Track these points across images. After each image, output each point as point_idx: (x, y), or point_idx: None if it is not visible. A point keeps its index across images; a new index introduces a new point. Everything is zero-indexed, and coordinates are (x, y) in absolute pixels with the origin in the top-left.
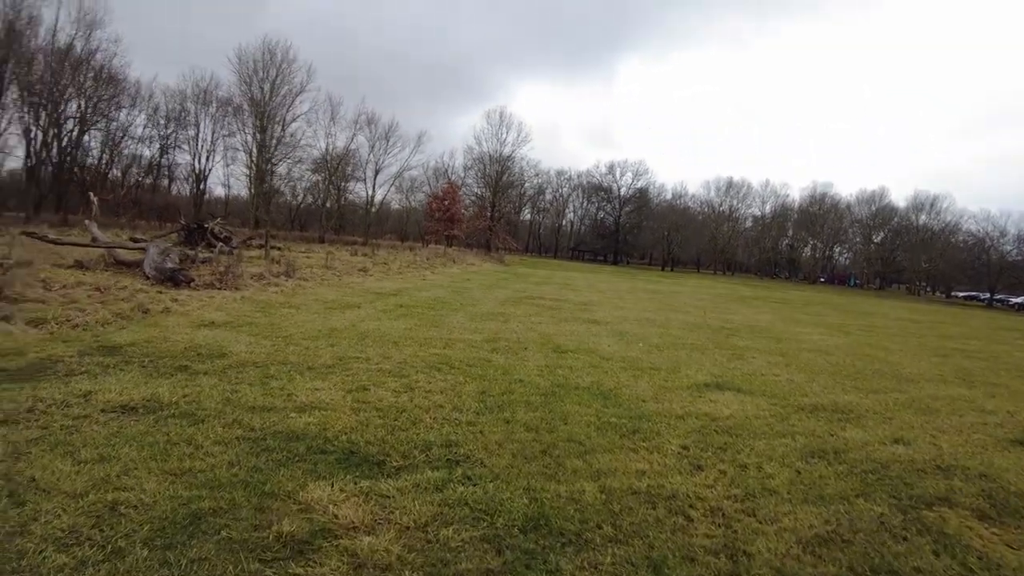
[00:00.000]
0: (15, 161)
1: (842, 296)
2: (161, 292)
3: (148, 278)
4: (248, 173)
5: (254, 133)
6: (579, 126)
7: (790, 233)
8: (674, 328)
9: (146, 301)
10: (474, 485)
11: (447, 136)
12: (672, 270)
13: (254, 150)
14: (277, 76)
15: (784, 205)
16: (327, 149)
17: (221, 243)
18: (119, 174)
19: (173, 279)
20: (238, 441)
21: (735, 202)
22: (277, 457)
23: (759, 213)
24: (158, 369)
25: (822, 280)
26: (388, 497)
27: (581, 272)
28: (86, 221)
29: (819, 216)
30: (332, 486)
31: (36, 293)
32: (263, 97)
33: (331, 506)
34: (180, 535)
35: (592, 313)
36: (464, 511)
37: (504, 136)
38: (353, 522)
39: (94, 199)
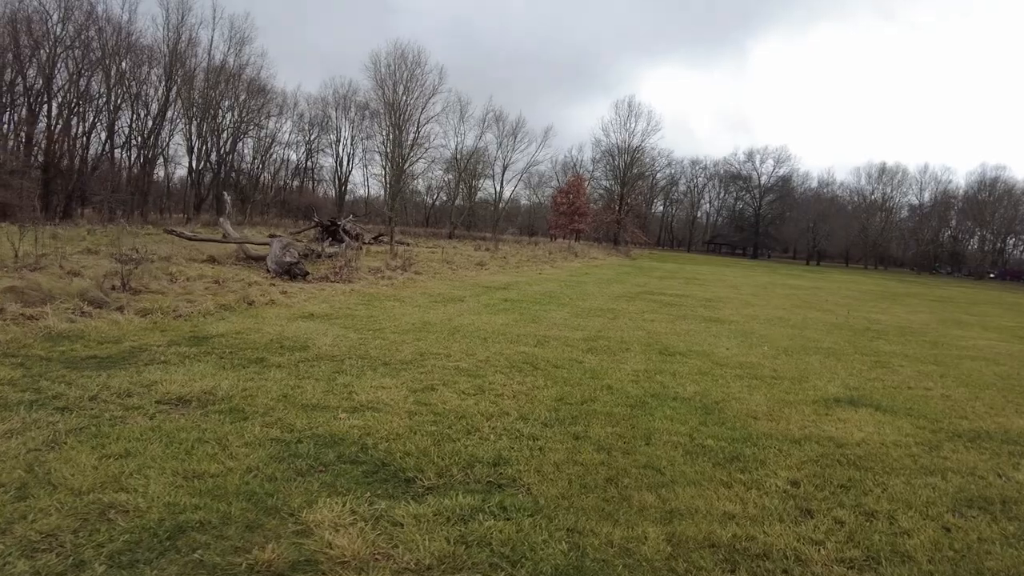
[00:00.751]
0: (182, 170)
1: (1017, 295)
2: (274, 285)
3: (269, 272)
4: (383, 173)
5: (388, 134)
6: (714, 112)
7: (953, 223)
8: (810, 329)
9: (255, 293)
10: (507, 519)
11: (575, 131)
12: (818, 264)
13: (389, 151)
14: (410, 79)
15: (946, 192)
16: (456, 148)
17: (350, 239)
18: (269, 177)
19: (290, 272)
20: (270, 443)
21: (889, 189)
22: (300, 465)
23: (916, 201)
24: (233, 360)
25: (992, 276)
26: (399, 525)
27: (714, 266)
28: (220, 219)
29: (988, 203)
30: (343, 505)
31: (159, 285)
32: (397, 100)
33: (330, 532)
34: (151, 552)
35: (716, 311)
36: (483, 554)
37: (633, 126)
38: (345, 555)
39: (227, 198)
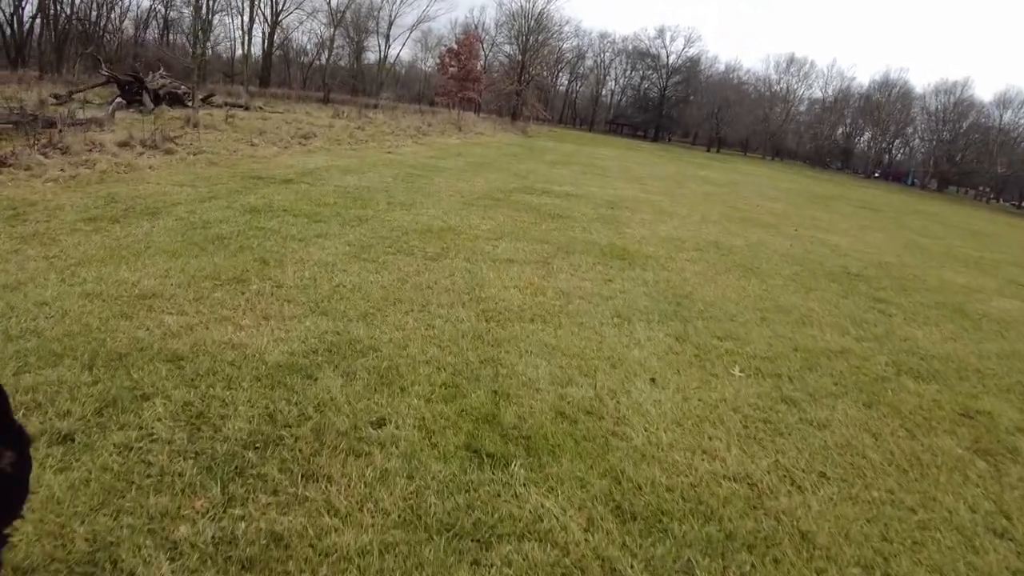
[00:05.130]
0: None
1: (922, 200)
2: None
3: None
4: (242, 25)
5: None
6: None
7: (848, 121)
8: (770, 275)
9: None
10: None
11: None
12: (718, 151)
13: None
14: None
15: (849, 89)
16: None
17: (164, 102)
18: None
19: None
20: None
21: (795, 81)
22: None
23: (820, 95)
24: None
25: (876, 175)
26: None
27: (616, 149)
28: None
29: (884, 104)
30: None
31: None
32: None
33: None
34: None
35: (620, 230)
36: None
37: None
38: None
39: None
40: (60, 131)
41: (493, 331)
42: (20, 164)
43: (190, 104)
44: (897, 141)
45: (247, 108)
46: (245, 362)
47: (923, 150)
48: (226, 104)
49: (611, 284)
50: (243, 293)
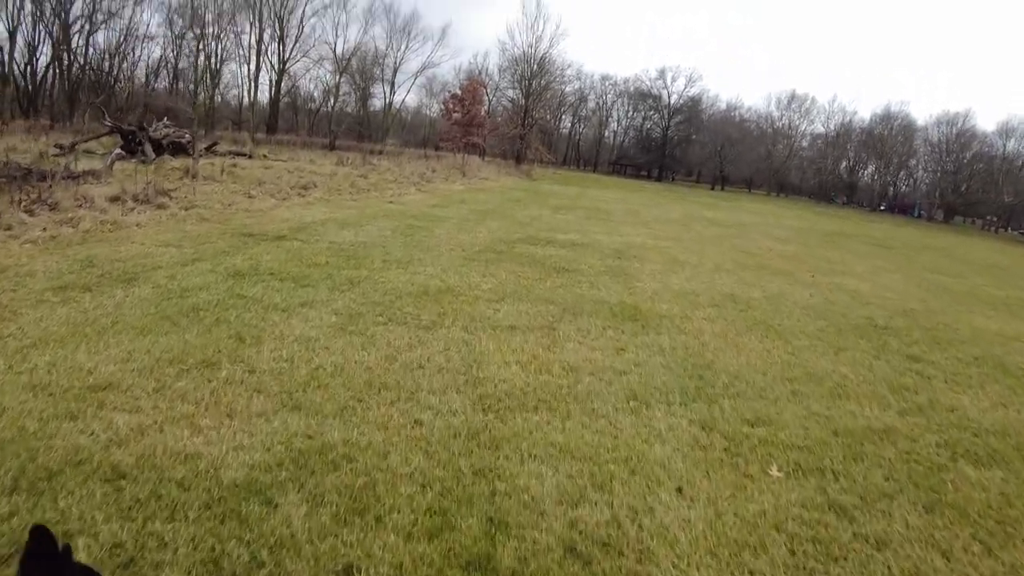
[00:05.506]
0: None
1: (931, 233)
2: None
3: None
4: (248, 74)
5: (251, 25)
6: (628, 24)
7: (851, 155)
8: (793, 334)
9: None
10: None
11: (483, 39)
12: (723, 189)
13: (258, 44)
14: None
15: (850, 123)
16: (334, 43)
17: (165, 150)
18: (127, 75)
19: None
20: None
21: (796, 117)
22: None
23: (823, 130)
24: None
25: (882, 208)
26: None
27: (620, 190)
28: None
29: (886, 137)
30: None
31: None
32: None
33: None
34: None
35: (630, 284)
36: None
37: (540, 29)
38: None
39: None
40: (50, 186)
41: (491, 426)
42: (1, 223)
43: (191, 154)
44: (901, 173)
45: (250, 156)
46: (196, 481)
47: (927, 181)
48: (230, 152)
49: (624, 354)
50: (210, 381)
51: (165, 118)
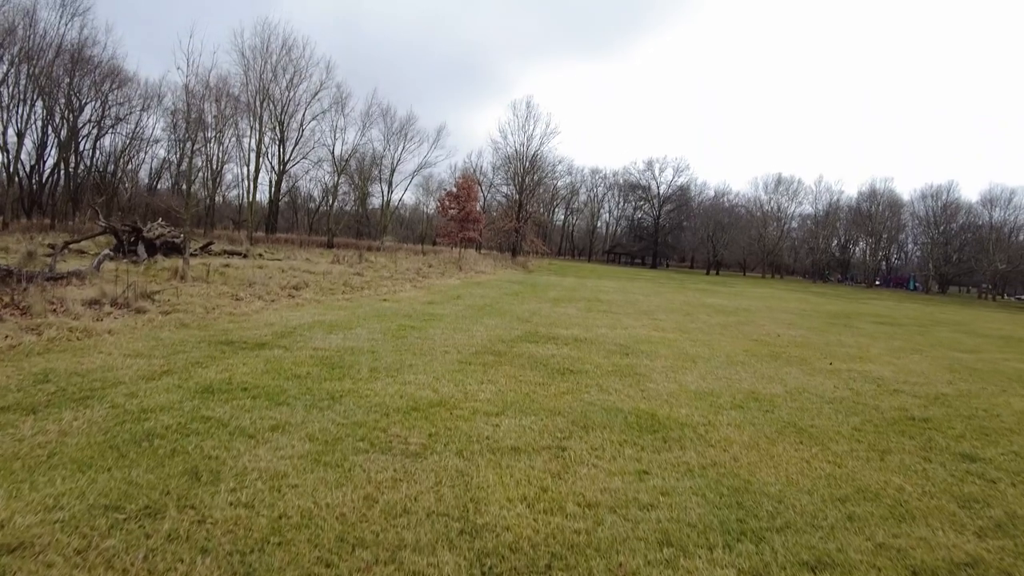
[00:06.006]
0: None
1: (943, 306)
2: None
3: None
4: (248, 175)
5: (253, 123)
6: (614, 121)
7: (841, 233)
8: (829, 437)
9: None
10: None
11: (476, 138)
12: (717, 273)
13: (258, 146)
14: (287, 65)
15: (838, 202)
16: (333, 145)
17: (160, 252)
18: (132, 175)
19: None
20: None
21: (784, 200)
22: None
23: (811, 211)
24: None
25: (877, 283)
26: None
27: (617, 279)
28: None
29: (874, 214)
30: None
31: None
32: (264, 86)
33: None
34: None
35: (643, 386)
36: None
37: (531, 129)
38: None
39: None
40: (25, 288)
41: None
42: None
43: (184, 252)
44: (893, 247)
45: (245, 255)
46: None
47: (919, 254)
48: (224, 252)
49: (648, 479)
50: (148, 537)
51: (160, 218)
